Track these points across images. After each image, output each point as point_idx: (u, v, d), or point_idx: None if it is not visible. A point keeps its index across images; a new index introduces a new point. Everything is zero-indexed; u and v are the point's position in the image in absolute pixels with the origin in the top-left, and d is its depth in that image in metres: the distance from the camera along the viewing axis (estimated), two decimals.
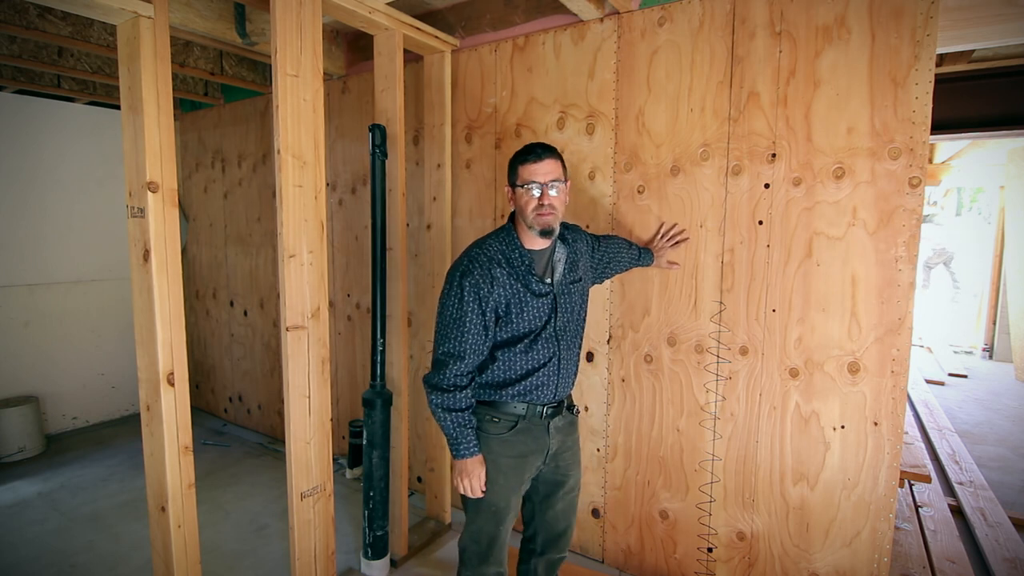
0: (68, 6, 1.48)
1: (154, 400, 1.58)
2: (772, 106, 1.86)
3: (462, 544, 1.67)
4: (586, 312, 1.73)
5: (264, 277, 3.62)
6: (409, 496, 2.89)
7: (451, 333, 1.50)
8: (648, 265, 2.06)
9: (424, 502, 2.80)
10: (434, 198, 2.54)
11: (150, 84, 1.48)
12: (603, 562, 2.37)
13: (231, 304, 3.89)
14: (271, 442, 3.66)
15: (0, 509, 2.82)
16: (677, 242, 2.05)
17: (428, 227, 2.57)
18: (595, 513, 2.36)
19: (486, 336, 1.51)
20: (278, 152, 1.69)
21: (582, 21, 2.19)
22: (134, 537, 2.55)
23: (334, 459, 3.10)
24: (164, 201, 1.53)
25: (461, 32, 2.49)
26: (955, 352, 6.74)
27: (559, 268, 1.60)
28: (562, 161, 1.54)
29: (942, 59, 2.66)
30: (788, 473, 1.93)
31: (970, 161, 5.49)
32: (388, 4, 2.06)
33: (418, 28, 2.27)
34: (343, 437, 3.29)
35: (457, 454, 1.52)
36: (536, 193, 1.49)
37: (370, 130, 2.16)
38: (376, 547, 2.23)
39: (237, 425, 3.98)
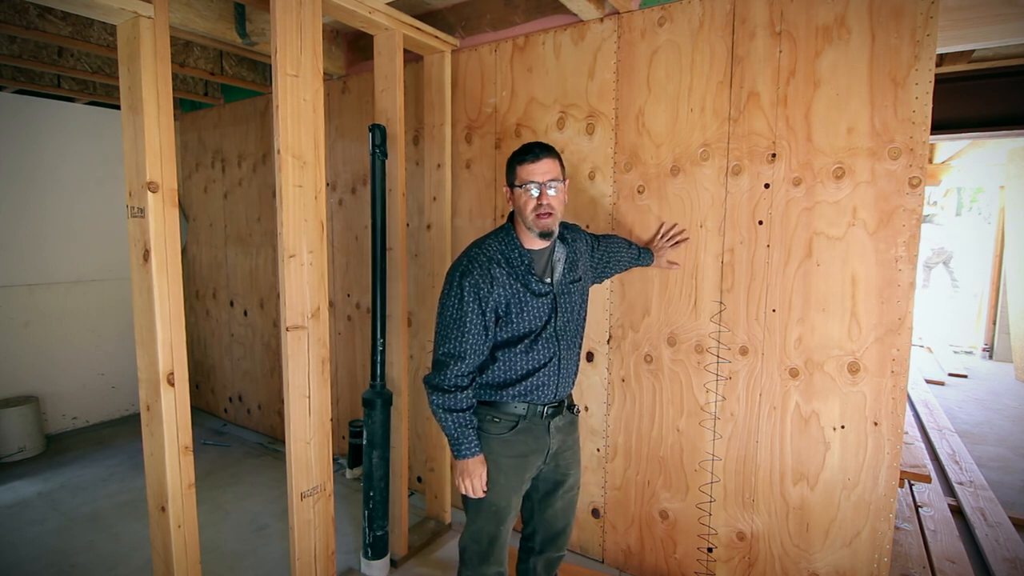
0: (68, 6, 1.48)
1: (154, 400, 1.58)
2: (772, 106, 1.86)
3: (463, 544, 1.67)
4: (586, 312, 1.73)
5: (264, 277, 3.62)
6: (409, 496, 2.89)
7: (451, 334, 1.50)
8: (648, 265, 2.06)
9: (424, 502, 2.80)
10: (434, 198, 2.54)
11: (150, 84, 1.48)
12: (603, 562, 2.37)
13: (231, 304, 3.89)
14: (271, 442, 3.66)
15: (0, 509, 2.82)
16: (677, 242, 2.05)
17: (428, 227, 2.57)
18: (595, 513, 2.36)
19: (486, 336, 1.51)
20: (278, 152, 1.69)
21: (582, 21, 2.19)
22: (134, 537, 2.55)
23: (334, 459, 3.10)
24: (164, 201, 1.53)
25: (461, 32, 2.49)
26: (955, 352, 6.74)
27: (559, 268, 1.60)
28: (560, 160, 1.54)
29: (942, 59, 2.66)
30: (788, 473, 1.93)
31: (970, 161, 5.49)
32: (388, 4, 2.06)
33: (418, 28, 2.27)
34: (343, 437, 3.29)
35: (458, 454, 1.52)
36: (534, 193, 1.49)
37: (370, 130, 2.16)
38: (376, 547, 2.23)
39: (237, 425, 3.98)
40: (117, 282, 4.02)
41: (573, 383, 1.68)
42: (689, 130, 2.01)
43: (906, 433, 3.30)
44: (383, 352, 2.24)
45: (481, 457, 1.54)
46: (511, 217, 1.60)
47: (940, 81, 2.87)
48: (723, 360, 2.01)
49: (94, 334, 3.96)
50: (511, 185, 1.54)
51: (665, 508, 2.19)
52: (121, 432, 3.85)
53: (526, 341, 1.54)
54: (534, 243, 1.56)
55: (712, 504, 2.08)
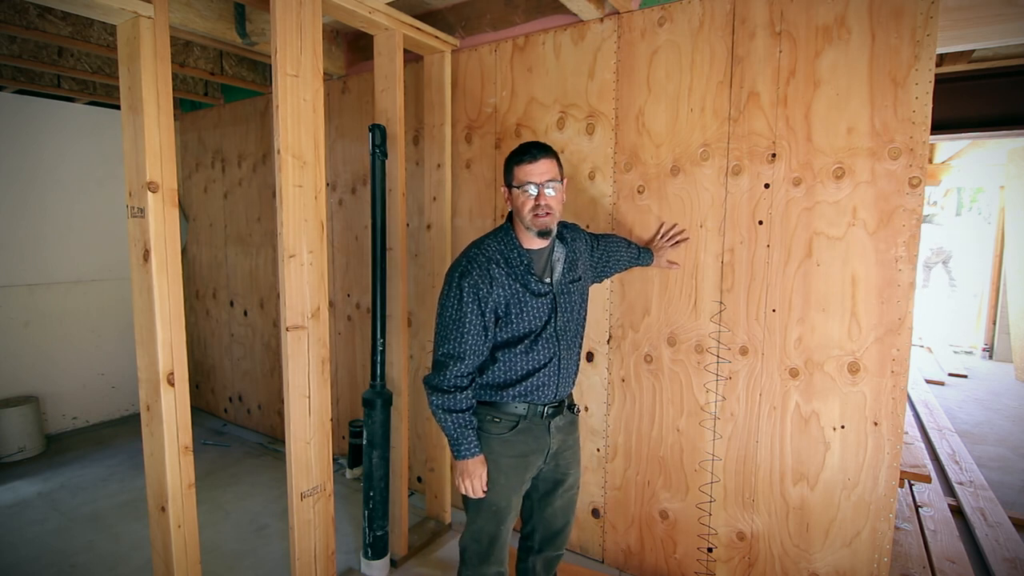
0: (68, 6, 1.48)
1: (154, 400, 1.58)
2: (772, 106, 1.86)
3: (463, 544, 1.67)
4: (586, 312, 1.73)
5: (264, 277, 3.62)
6: (409, 496, 2.89)
7: (451, 334, 1.50)
8: (648, 264, 2.06)
9: (424, 502, 2.80)
10: (434, 198, 2.54)
11: (150, 84, 1.48)
12: (603, 562, 2.37)
13: (231, 304, 3.89)
14: (271, 442, 3.66)
15: (0, 509, 2.82)
16: (677, 242, 2.05)
17: (428, 227, 2.57)
18: (595, 513, 2.36)
19: (486, 337, 1.51)
20: (278, 152, 1.69)
21: (582, 21, 2.19)
22: (134, 537, 2.55)
23: (334, 459, 3.10)
24: (164, 201, 1.53)
25: (461, 32, 2.49)
26: (955, 352, 6.75)
27: (558, 267, 1.60)
28: (558, 160, 1.54)
29: (942, 59, 2.66)
30: (788, 473, 1.93)
31: (970, 161, 5.48)
32: (388, 4, 2.06)
33: (418, 28, 2.27)
34: (343, 437, 3.29)
35: (458, 455, 1.52)
36: (532, 193, 1.49)
37: (370, 130, 2.16)
38: (376, 547, 2.23)
39: (237, 425, 3.98)
40: (117, 282, 4.02)
41: (573, 383, 1.68)
42: (689, 130, 2.01)
43: (906, 433, 3.30)
44: (383, 352, 2.24)
45: (481, 457, 1.54)
46: (510, 217, 1.60)
47: (940, 81, 2.87)
48: (723, 360, 2.01)
49: (94, 334, 3.96)
50: (509, 186, 1.54)
51: (665, 508, 2.19)
52: (121, 432, 3.85)
53: (526, 341, 1.54)
54: (533, 243, 1.56)
55: (712, 504, 2.08)
